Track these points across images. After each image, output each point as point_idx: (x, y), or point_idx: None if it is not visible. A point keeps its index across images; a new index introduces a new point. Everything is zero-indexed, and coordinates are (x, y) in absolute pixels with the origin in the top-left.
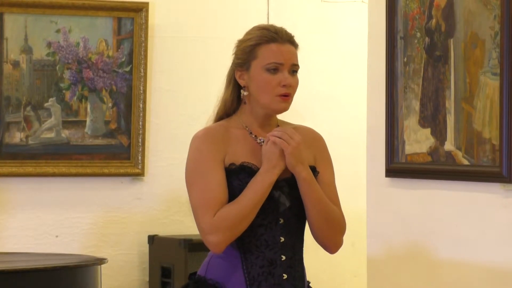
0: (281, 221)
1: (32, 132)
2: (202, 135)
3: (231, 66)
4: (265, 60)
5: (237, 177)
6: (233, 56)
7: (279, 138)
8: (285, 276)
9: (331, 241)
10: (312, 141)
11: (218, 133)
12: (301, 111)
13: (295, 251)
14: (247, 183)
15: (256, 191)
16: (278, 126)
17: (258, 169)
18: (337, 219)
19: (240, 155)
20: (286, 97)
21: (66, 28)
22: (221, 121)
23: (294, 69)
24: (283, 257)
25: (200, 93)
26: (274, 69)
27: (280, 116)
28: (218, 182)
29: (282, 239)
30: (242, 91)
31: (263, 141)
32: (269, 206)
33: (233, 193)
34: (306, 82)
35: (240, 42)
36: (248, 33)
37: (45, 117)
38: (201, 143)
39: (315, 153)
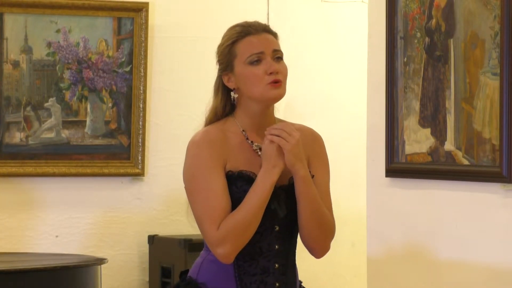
0: (277, 228)
1: (32, 132)
2: (200, 140)
3: (217, 74)
4: (244, 54)
5: (235, 184)
6: (217, 63)
7: (277, 135)
8: (277, 284)
9: (319, 245)
10: (310, 141)
11: (216, 136)
12: (301, 111)
13: (288, 258)
14: (244, 190)
15: (258, 194)
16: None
17: (257, 176)
18: (328, 223)
19: (238, 164)
20: (277, 83)
21: (66, 28)
22: (218, 122)
23: (277, 55)
24: (276, 265)
25: (200, 93)
26: (257, 60)
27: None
28: (219, 190)
29: (277, 246)
30: (232, 93)
31: (259, 148)
32: (265, 213)
33: (231, 199)
34: (306, 82)
35: (218, 47)
36: (223, 36)
37: (45, 117)
38: (199, 149)
39: (310, 154)
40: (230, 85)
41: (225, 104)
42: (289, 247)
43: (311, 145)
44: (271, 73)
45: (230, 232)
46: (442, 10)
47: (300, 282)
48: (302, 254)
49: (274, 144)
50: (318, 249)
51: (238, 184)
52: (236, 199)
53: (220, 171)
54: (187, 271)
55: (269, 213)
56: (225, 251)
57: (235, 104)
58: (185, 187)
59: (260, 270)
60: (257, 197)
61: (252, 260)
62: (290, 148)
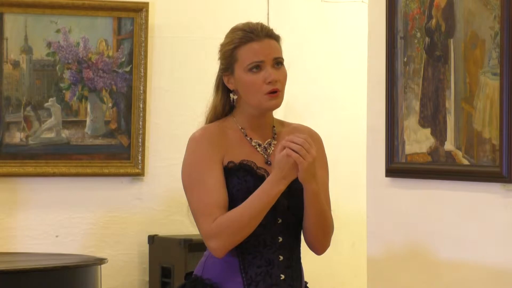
0: (280, 220)
1: (32, 132)
2: (199, 136)
3: (218, 72)
4: (245, 61)
5: (236, 175)
6: (219, 61)
7: (295, 150)
8: (282, 276)
9: (322, 245)
10: None
11: (215, 133)
12: (301, 111)
13: (292, 251)
14: (246, 181)
15: (261, 199)
16: (274, 127)
17: (258, 167)
18: (331, 225)
19: (237, 157)
20: (275, 94)
21: (66, 28)
22: (217, 121)
23: (277, 61)
24: (281, 257)
25: (200, 93)
26: (256, 67)
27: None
28: (215, 185)
29: (280, 239)
30: (231, 95)
31: (258, 144)
32: None
33: (231, 191)
34: (306, 82)
35: (221, 47)
36: (226, 37)
37: (45, 117)
38: (197, 145)
39: None
40: (230, 86)
41: (225, 103)
42: (293, 240)
43: None
44: (269, 82)
45: (223, 228)
46: (442, 10)
47: (306, 282)
48: (302, 253)
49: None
50: (320, 247)
51: (239, 174)
52: (238, 191)
53: (217, 167)
54: (191, 273)
55: (271, 206)
56: (217, 245)
57: (234, 104)
58: (182, 182)
59: (265, 262)
60: (260, 202)
61: (257, 253)
62: (306, 167)
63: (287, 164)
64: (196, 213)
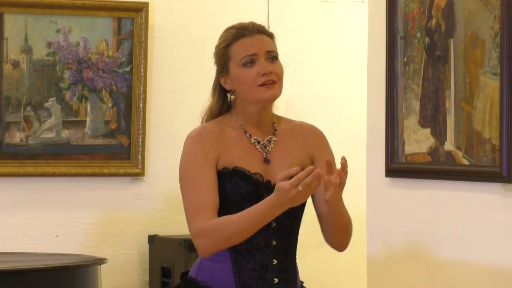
0: (274, 224)
1: (32, 132)
2: (195, 135)
3: (215, 75)
4: (238, 56)
5: (230, 180)
6: (215, 64)
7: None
8: (276, 280)
9: (344, 245)
10: (311, 139)
11: (212, 132)
12: (300, 111)
13: (287, 254)
14: (239, 187)
15: (254, 218)
16: (274, 123)
17: (251, 173)
18: (352, 227)
19: (234, 158)
20: (271, 84)
21: (66, 28)
22: (216, 118)
23: (271, 55)
24: (275, 261)
25: (200, 93)
26: (250, 62)
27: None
28: (208, 186)
29: (274, 242)
30: (228, 95)
31: (257, 142)
32: None
33: (226, 196)
34: (306, 82)
35: (215, 48)
36: (219, 38)
37: (45, 117)
38: (193, 144)
39: (313, 152)
40: (227, 86)
41: (221, 105)
42: (287, 243)
43: (313, 141)
44: (264, 74)
45: (211, 232)
46: (442, 10)
47: (302, 282)
48: (301, 253)
49: (292, 188)
50: (342, 247)
51: (233, 180)
52: (231, 196)
53: (211, 168)
54: (187, 272)
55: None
56: (203, 245)
57: (231, 105)
58: (179, 181)
59: (258, 266)
60: (251, 219)
61: (250, 256)
62: (339, 196)
63: (287, 195)
64: (188, 211)
